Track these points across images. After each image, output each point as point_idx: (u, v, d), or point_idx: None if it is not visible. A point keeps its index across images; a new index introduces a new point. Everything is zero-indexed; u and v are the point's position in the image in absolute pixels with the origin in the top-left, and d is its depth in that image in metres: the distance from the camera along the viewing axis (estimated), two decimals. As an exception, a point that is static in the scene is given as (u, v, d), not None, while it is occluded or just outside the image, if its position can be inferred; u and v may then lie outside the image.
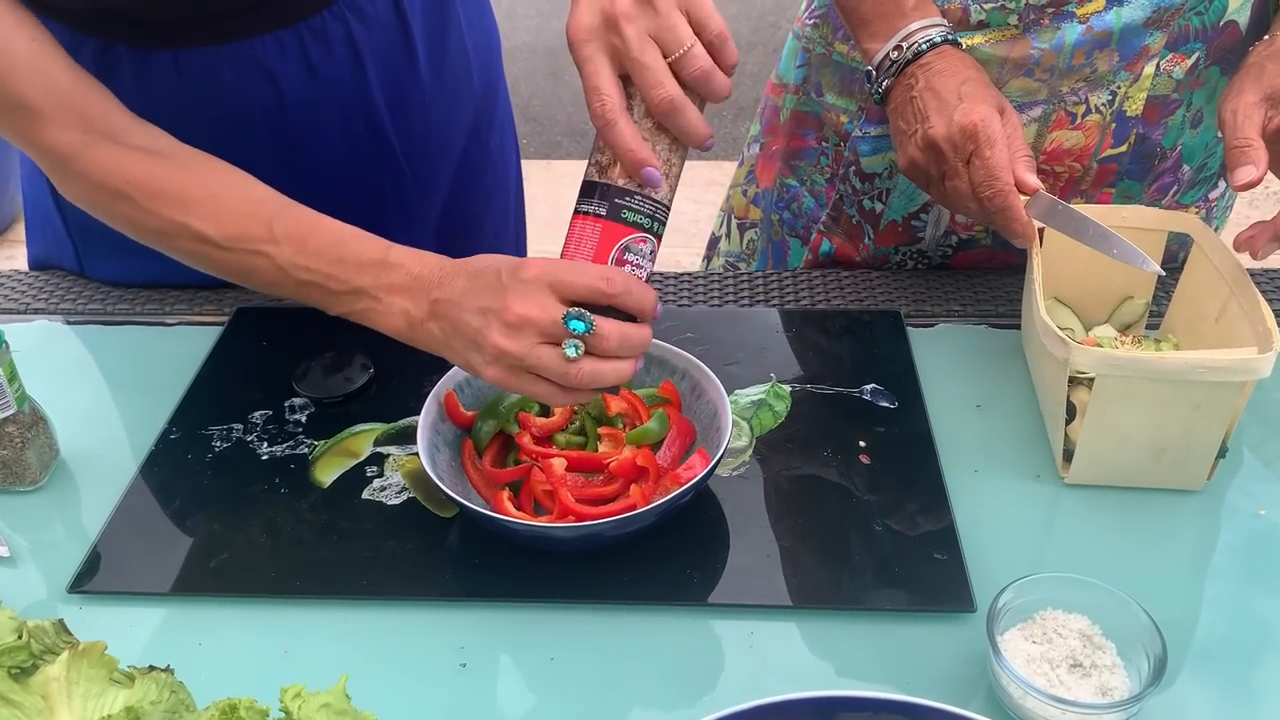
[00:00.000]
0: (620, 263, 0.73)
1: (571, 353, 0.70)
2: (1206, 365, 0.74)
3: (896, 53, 0.90)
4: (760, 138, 1.19)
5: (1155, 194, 1.02)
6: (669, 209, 0.75)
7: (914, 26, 0.90)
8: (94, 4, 0.87)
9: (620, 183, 0.73)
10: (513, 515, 0.75)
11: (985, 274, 1.08)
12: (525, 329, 0.70)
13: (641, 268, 0.74)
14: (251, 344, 1.00)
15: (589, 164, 0.74)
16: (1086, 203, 1.02)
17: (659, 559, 0.77)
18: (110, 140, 0.81)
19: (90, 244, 1.09)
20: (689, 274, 1.09)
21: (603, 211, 0.73)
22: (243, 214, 0.80)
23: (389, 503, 0.82)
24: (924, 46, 0.89)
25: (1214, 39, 0.93)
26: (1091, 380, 0.78)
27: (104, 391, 0.96)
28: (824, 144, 1.10)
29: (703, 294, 1.06)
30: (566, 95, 4.03)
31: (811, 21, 1.08)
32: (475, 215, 1.19)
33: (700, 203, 3.15)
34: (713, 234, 1.30)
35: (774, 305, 1.04)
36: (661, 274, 1.09)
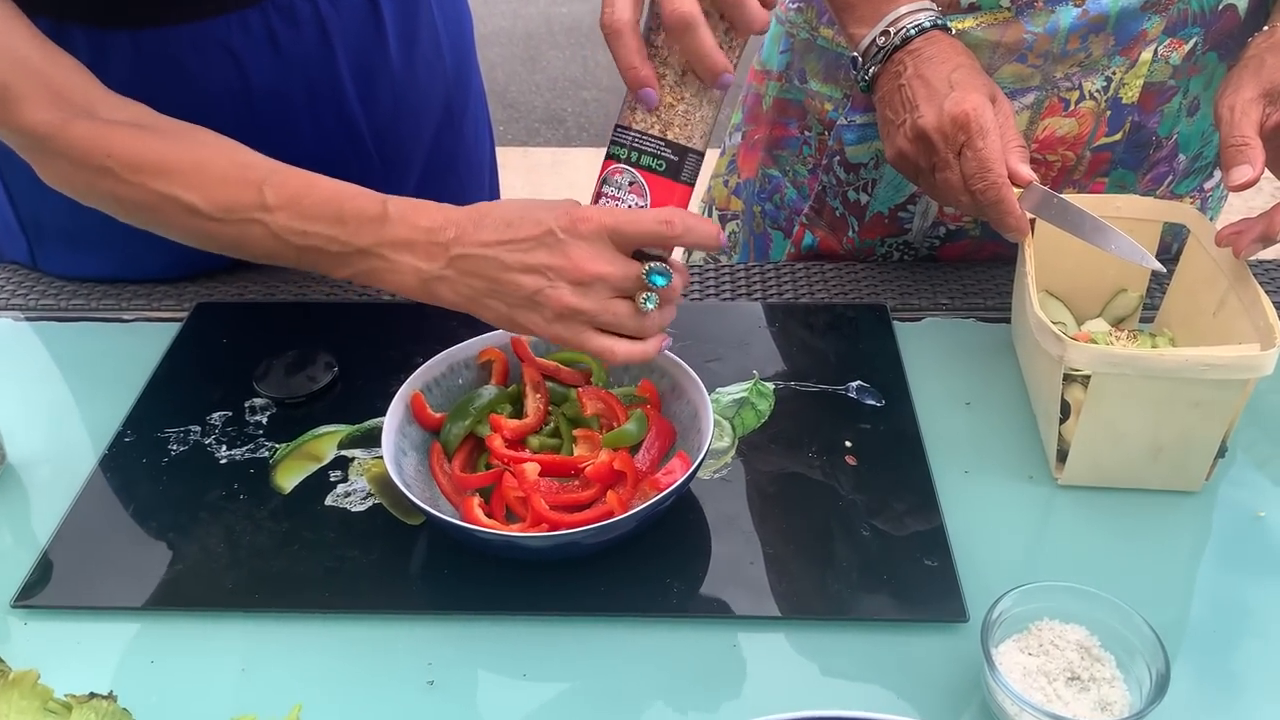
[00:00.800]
0: (598, 195, 0.71)
1: (649, 306, 0.69)
2: (1207, 363, 0.71)
3: (884, 38, 0.86)
4: (742, 126, 1.15)
5: (1149, 184, 0.99)
6: (680, 147, 0.70)
7: (902, 10, 0.86)
8: None
9: (622, 121, 0.71)
10: (482, 524, 0.71)
11: (973, 266, 1.04)
12: (597, 285, 0.68)
13: (620, 200, 0.71)
14: (212, 341, 0.96)
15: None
16: (1079, 193, 0.98)
17: (637, 568, 0.73)
18: (88, 116, 0.76)
19: (44, 238, 1.04)
20: (668, 266, 1.05)
21: (660, 167, 0.70)
22: (231, 181, 0.75)
23: (353, 509, 0.79)
24: (912, 32, 0.85)
25: (1212, 24, 0.89)
26: (1087, 378, 0.75)
27: (57, 391, 0.92)
28: (807, 133, 1.06)
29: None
30: (543, 81, 3.98)
31: (795, 5, 1.04)
32: (447, 201, 1.14)
33: (680, 191, 3.11)
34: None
35: (756, 299, 1.01)
36: (640, 266, 1.06)
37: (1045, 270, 0.89)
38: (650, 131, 0.70)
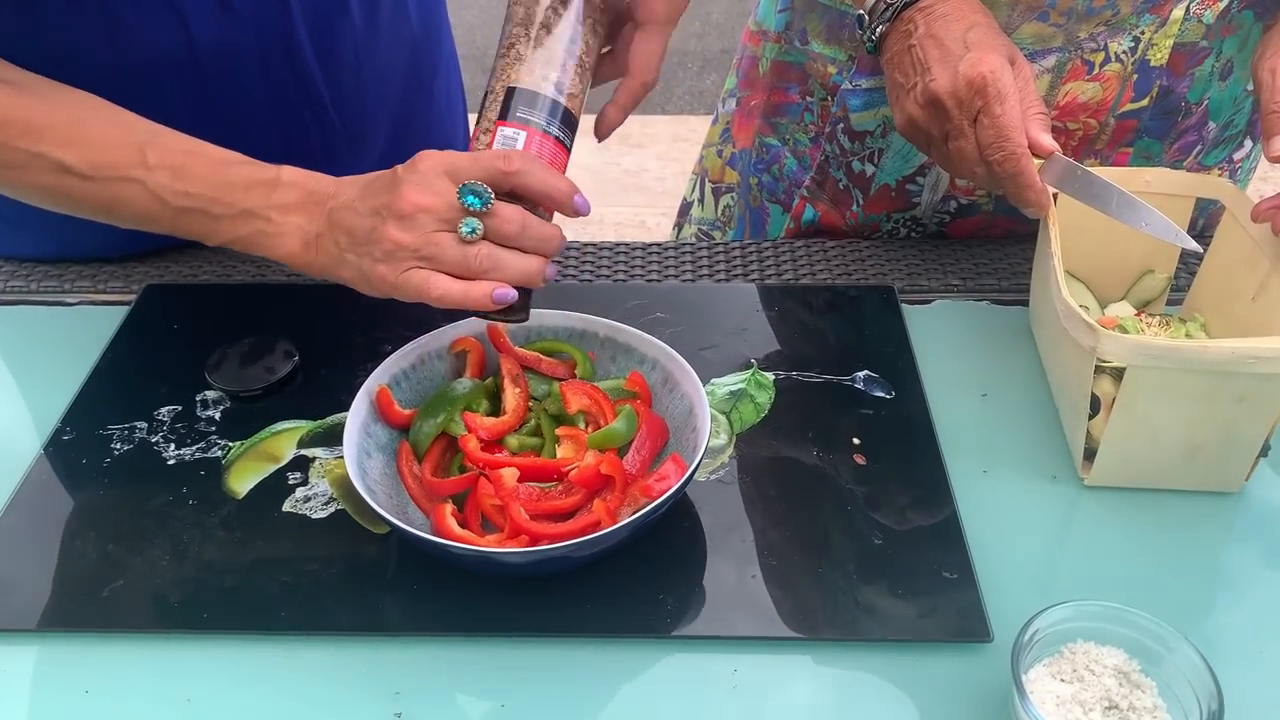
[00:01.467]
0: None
1: (466, 231, 0.66)
2: (1256, 355, 0.64)
3: None
4: (737, 92, 1.07)
5: (1177, 154, 0.91)
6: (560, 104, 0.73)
7: None
8: None
9: (513, 81, 0.73)
10: (455, 536, 0.64)
11: (986, 244, 0.97)
12: (420, 218, 0.67)
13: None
14: (161, 327, 0.88)
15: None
16: (1101, 164, 0.91)
17: (626, 583, 0.66)
18: None
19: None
20: (658, 245, 0.98)
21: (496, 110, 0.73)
22: (110, 140, 0.71)
23: (314, 516, 0.71)
24: None
25: None
26: (1118, 370, 0.68)
27: (-10, 383, 0.84)
28: (809, 98, 0.98)
29: (674, 267, 0.95)
30: (525, 46, 3.87)
31: (795, -41, 0.96)
32: None
33: (665, 159, 3.03)
34: (684, 199, 1.19)
35: (753, 280, 0.93)
36: (628, 244, 0.98)
37: (1065, 249, 0.82)
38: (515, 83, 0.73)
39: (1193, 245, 0.72)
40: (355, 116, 0.95)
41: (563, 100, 0.73)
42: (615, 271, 0.95)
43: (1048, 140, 0.75)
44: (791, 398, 0.80)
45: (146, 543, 0.69)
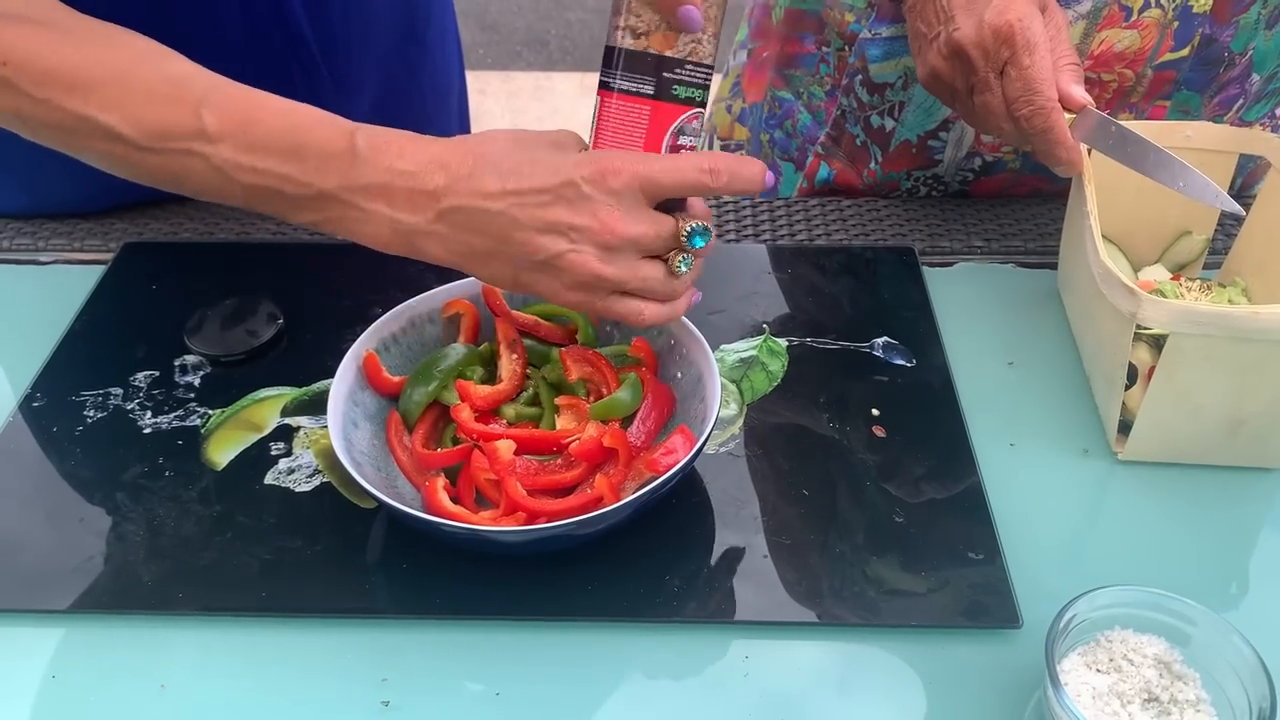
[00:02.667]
0: (674, 148, 0.61)
1: (684, 269, 0.60)
2: (1311, 323, 0.60)
3: None
4: (748, 43, 1.02)
5: (1217, 108, 0.86)
6: (713, 69, 0.62)
7: None
8: None
9: (666, 51, 0.59)
10: (447, 513, 0.60)
11: (1012, 203, 0.92)
12: (627, 249, 0.58)
13: (696, 149, 0.62)
14: (140, 287, 0.84)
15: (613, 28, 0.60)
16: (1136, 118, 0.86)
17: (630, 563, 0.62)
18: None
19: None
20: (664, 202, 0.93)
21: (649, 89, 0.60)
22: (159, 98, 0.60)
23: (297, 489, 0.67)
24: None
25: None
26: (1157, 338, 0.63)
27: (-42, 346, 0.80)
28: (824, 49, 0.93)
29: (680, 226, 0.90)
30: (525, 1, 3.79)
31: (812, -101, 0.90)
32: (411, 127, 1.01)
33: (670, 119, 2.96)
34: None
35: (765, 240, 0.88)
36: (631, 202, 0.93)
37: (1099, 208, 0.77)
38: (710, 60, 0.61)
39: (1234, 207, 0.67)
40: (343, 64, 0.89)
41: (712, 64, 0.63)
42: (619, 231, 0.90)
43: (1080, 93, 0.70)
44: (806, 365, 0.75)
45: (119, 517, 0.65)
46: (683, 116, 0.61)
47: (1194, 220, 0.79)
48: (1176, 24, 0.80)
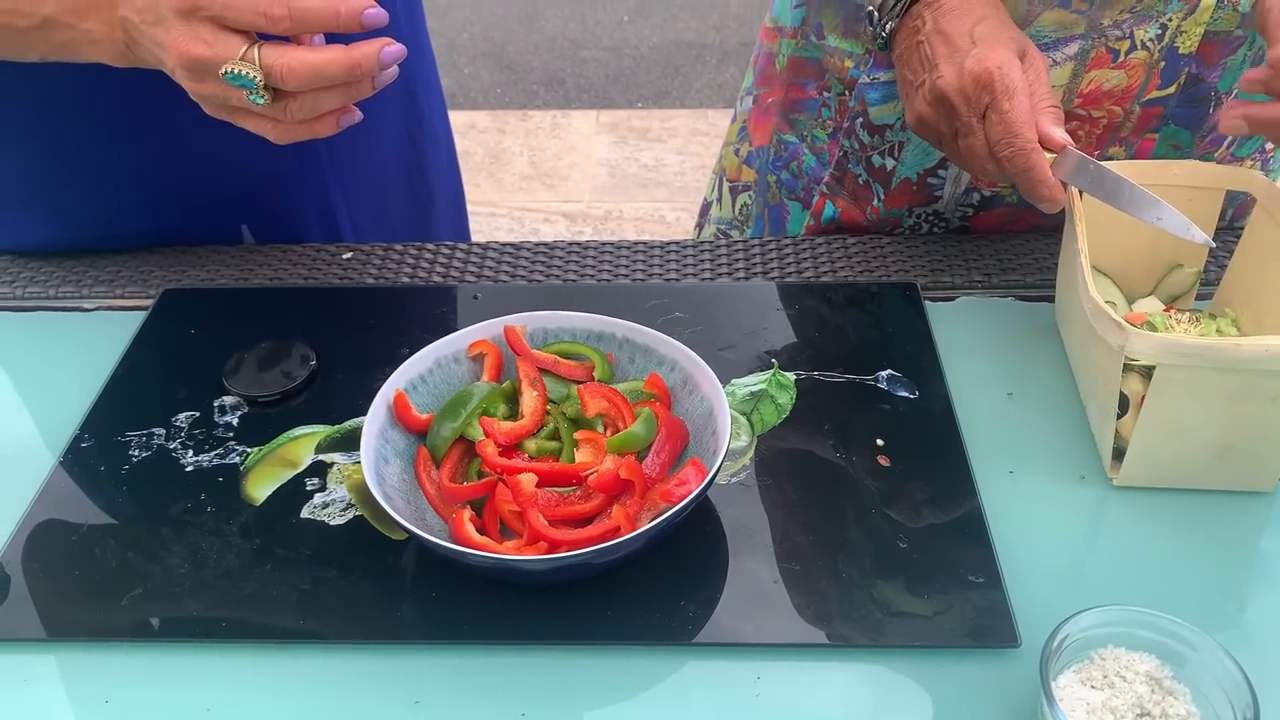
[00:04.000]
0: None
1: (259, 101, 0.64)
2: (1291, 353, 0.63)
3: None
4: (753, 89, 1.06)
5: (1209, 145, 0.90)
6: None
7: None
8: None
9: None
10: (473, 543, 0.64)
11: (1010, 239, 0.96)
12: (205, 69, 0.64)
13: None
14: (179, 331, 0.88)
15: None
16: (1126, 152, 0.90)
17: (647, 589, 0.65)
18: None
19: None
20: (676, 243, 0.97)
21: None
22: None
23: (332, 522, 0.71)
24: None
25: None
26: (1148, 369, 0.66)
27: (8, 390, 0.84)
28: (826, 94, 0.97)
29: (692, 266, 0.94)
30: (542, 41, 3.87)
31: (811, -47, 0.95)
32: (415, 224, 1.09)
33: (684, 154, 3.01)
34: (705, 199, 1.18)
35: (773, 278, 0.92)
36: (646, 242, 0.97)
37: (1091, 243, 0.80)
38: None
39: (1204, 239, 0.70)
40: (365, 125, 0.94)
41: None
42: (634, 271, 0.94)
43: (1060, 134, 0.74)
44: (813, 398, 0.79)
45: (165, 551, 0.69)
46: None
47: (1184, 253, 0.83)
48: (1163, 64, 0.83)
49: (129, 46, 0.68)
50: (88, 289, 0.94)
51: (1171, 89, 0.85)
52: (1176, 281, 0.83)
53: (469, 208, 1.24)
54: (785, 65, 1.00)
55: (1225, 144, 0.90)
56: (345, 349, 0.84)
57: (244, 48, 0.63)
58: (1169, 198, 0.77)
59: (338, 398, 0.80)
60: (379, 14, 0.65)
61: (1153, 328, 0.74)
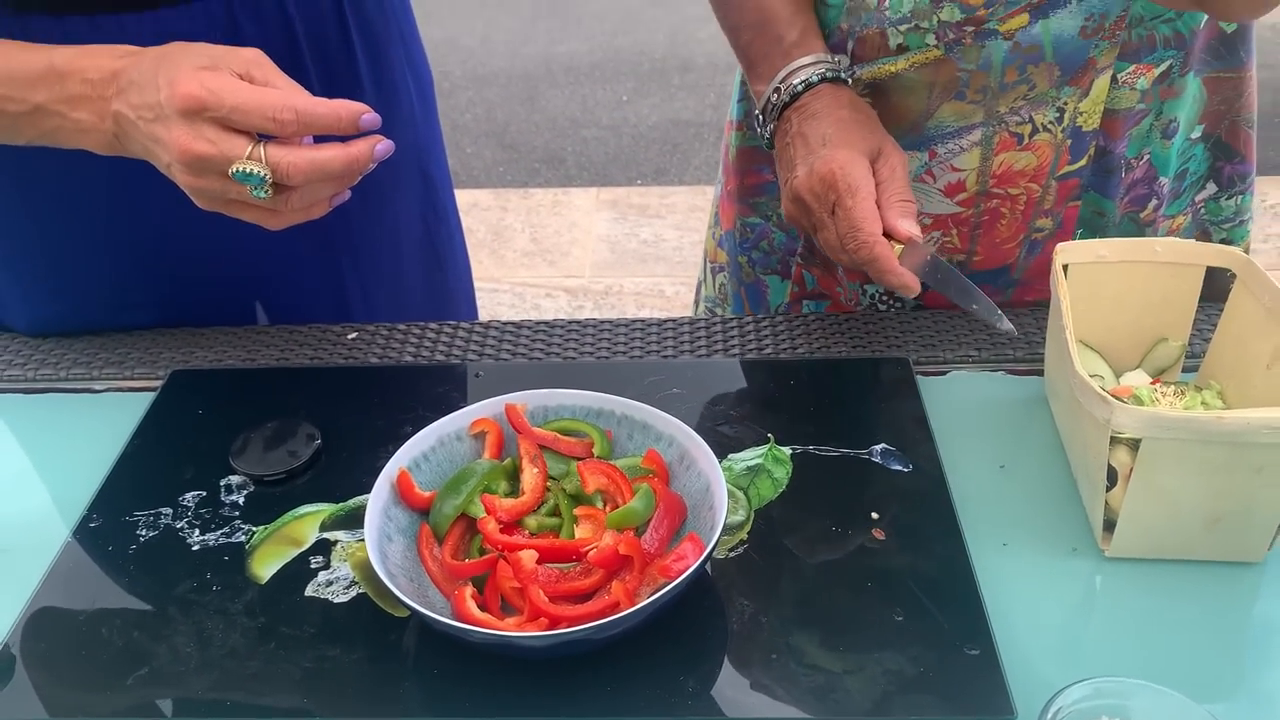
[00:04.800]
0: None
1: (261, 196, 0.66)
2: (1272, 425, 0.64)
3: (775, 95, 0.85)
4: (719, 178, 1.11)
5: (1130, 206, 0.94)
6: None
7: (793, 66, 0.85)
8: None
9: None
10: (475, 620, 0.65)
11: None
12: (206, 166, 0.67)
13: None
14: (187, 412, 0.90)
15: None
16: (1053, 222, 0.94)
17: (647, 663, 0.66)
18: None
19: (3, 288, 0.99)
20: (672, 321, 0.99)
21: None
22: None
23: (336, 600, 0.72)
24: (800, 87, 0.84)
25: (1192, 45, 0.85)
26: (1135, 441, 0.68)
27: (20, 470, 0.86)
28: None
29: (688, 343, 0.96)
30: (543, 121, 3.95)
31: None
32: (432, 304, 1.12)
33: (683, 229, 3.06)
34: (698, 277, 1.22)
35: (767, 354, 0.94)
36: (643, 320, 1.00)
37: (1079, 318, 0.83)
38: None
39: (1008, 328, 0.78)
40: (380, 200, 0.98)
41: None
42: (631, 348, 0.96)
43: (907, 226, 0.80)
44: (809, 472, 0.80)
45: (170, 630, 0.70)
46: None
47: (1170, 327, 0.85)
48: (1069, 142, 0.88)
49: (118, 138, 0.71)
50: (98, 370, 0.96)
51: (1083, 161, 0.90)
52: (1163, 355, 0.85)
53: (473, 283, 1.27)
54: (735, 155, 1.06)
55: (1149, 206, 0.94)
56: (350, 427, 0.86)
57: (249, 147, 0.67)
58: (1153, 274, 0.81)
59: (342, 476, 0.81)
60: (373, 118, 0.69)
61: (1139, 401, 0.76)
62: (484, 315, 0.92)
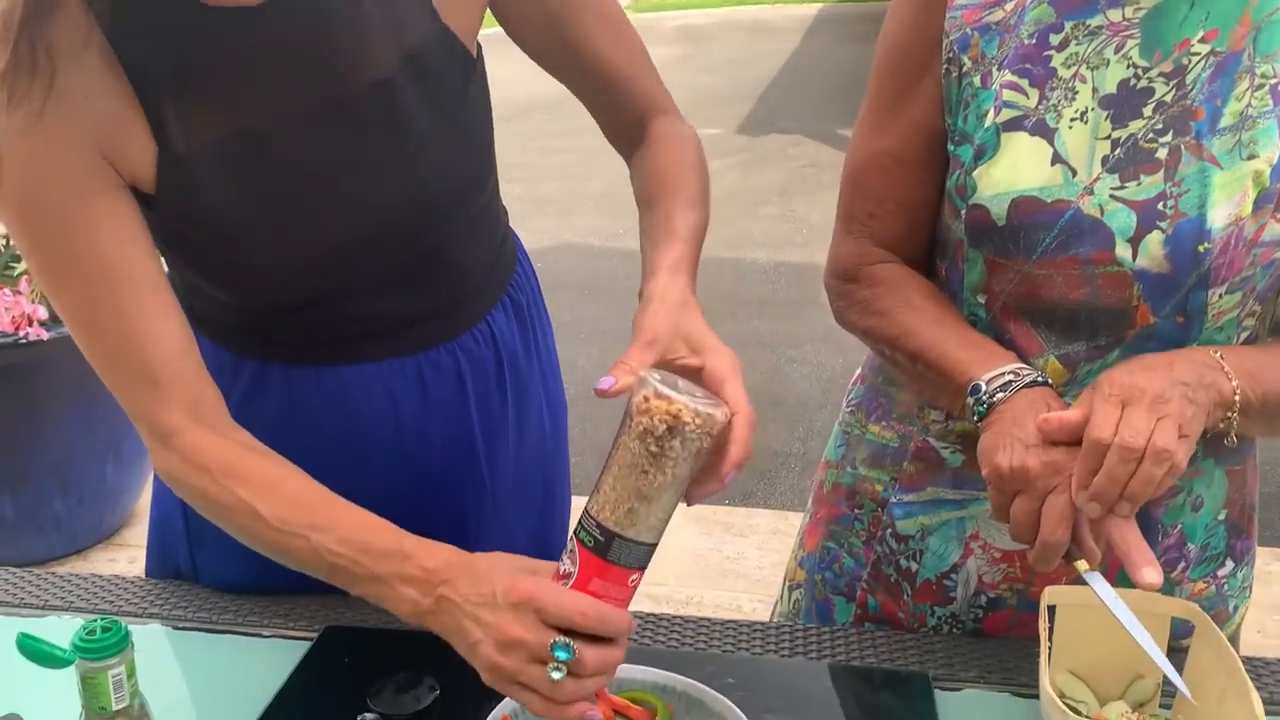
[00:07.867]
0: (599, 594, 0.83)
1: (555, 676, 0.81)
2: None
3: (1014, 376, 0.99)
4: (810, 509, 1.32)
5: (1165, 567, 1.10)
6: (609, 531, 0.83)
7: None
8: (256, 326, 1.08)
9: (609, 524, 0.83)
10: None
11: (1011, 641, 1.15)
12: (516, 648, 0.82)
13: (612, 597, 0.84)
14: (335, 661, 1.11)
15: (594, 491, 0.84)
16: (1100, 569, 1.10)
17: None
18: (213, 430, 0.99)
19: (204, 545, 1.23)
20: (734, 623, 1.19)
21: (590, 543, 0.84)
22: (293, 501, 0.95)
23: (442, 821, 0.89)
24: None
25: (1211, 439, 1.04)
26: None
27: (196, 698, 1.07)
28: (857, 510, 1.22)
29: (745, 643, 1.15)
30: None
31: (849, 409, 1.25)
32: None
33: (765, 549, 3.24)
34: (777, 596, 1.41)
35: (812, 658, 1.12)
36: (709, 620, 1.19)
37: (1069, 650, 1.00)
38: (590, 511, 0.84)
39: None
40: (504, 509, 1.23)
41: (653, 542, 0.85)
42: (697, 642, 1.15)
43: (1148, 576, 0.91)
44: (834, 759, 0.96)
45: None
46: (606, 569, 0.83)
47: (1144, 666, 1.01)
48: None
49: (431, 613, 0.88)
50: (267, 620, 1.19)
51: None
52: (1141, 689, 1.01)
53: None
54: (829, 489, 1.27)
55: (1179, 568, 1.11)
56: (465, 681, 1.05)
57: (555, 635, 0.82)
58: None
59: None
60: (632, 624, 0.86)
61: (1105, 725, 0.92)
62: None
